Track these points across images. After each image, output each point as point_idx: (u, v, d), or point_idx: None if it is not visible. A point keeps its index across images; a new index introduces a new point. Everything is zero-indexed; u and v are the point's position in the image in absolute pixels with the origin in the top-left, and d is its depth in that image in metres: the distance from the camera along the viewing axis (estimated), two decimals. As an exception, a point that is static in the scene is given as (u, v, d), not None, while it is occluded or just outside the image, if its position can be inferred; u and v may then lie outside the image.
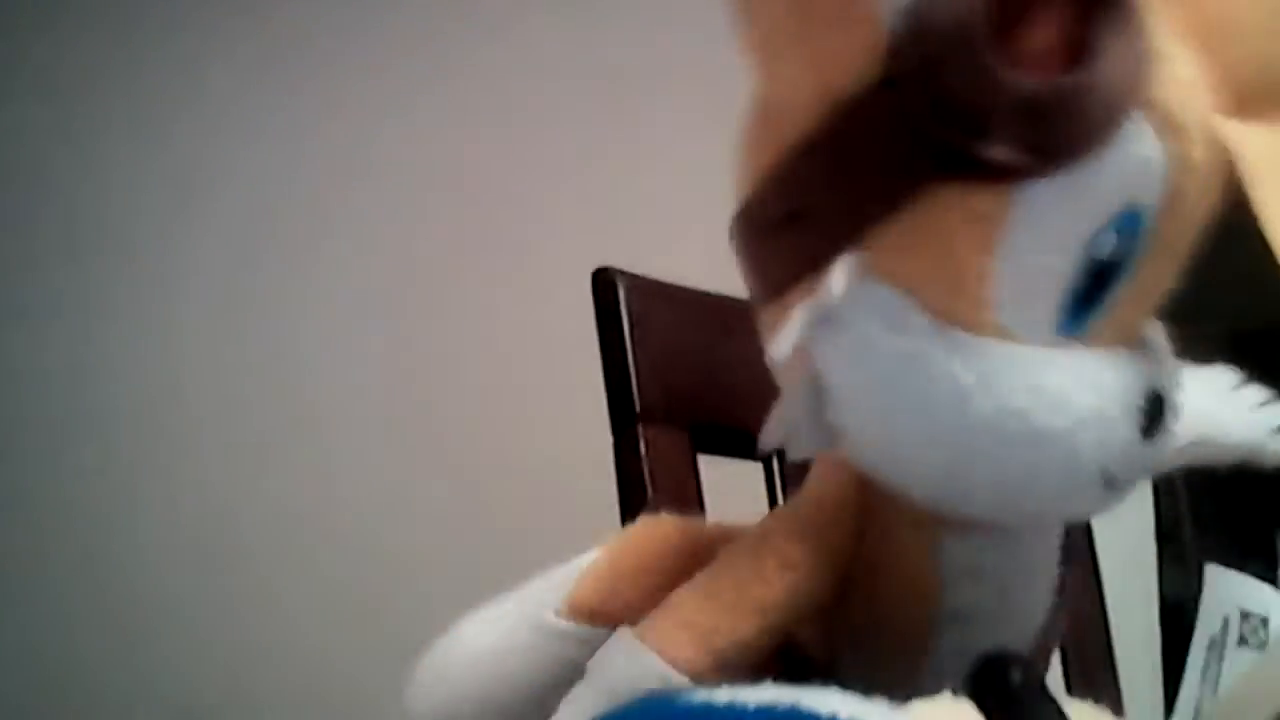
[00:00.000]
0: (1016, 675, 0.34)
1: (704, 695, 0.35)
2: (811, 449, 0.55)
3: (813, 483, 0.57)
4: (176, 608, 1.74)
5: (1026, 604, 0.57)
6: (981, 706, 0.35)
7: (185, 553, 1.75)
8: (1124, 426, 0.49)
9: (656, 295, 0.94)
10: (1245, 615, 0.57)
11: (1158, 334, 0.53)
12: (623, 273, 0.93)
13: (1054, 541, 0.58)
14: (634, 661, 0.51)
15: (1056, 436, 0.48)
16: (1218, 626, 0.42)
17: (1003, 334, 0.49)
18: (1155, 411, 0.50)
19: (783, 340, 0.50)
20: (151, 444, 1.77)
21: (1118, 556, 1.08)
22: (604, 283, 0.93)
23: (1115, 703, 1.01)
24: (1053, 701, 0.35)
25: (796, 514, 0.56)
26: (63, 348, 1.77)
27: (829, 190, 0.49)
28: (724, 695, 0.35)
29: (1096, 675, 1.01)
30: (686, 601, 0.53)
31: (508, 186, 1.77)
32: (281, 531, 1.75)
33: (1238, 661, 0.58)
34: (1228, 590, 0.43)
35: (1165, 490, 1.26)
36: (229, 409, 1.78)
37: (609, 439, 0.92)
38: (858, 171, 0.48)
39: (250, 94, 1.81)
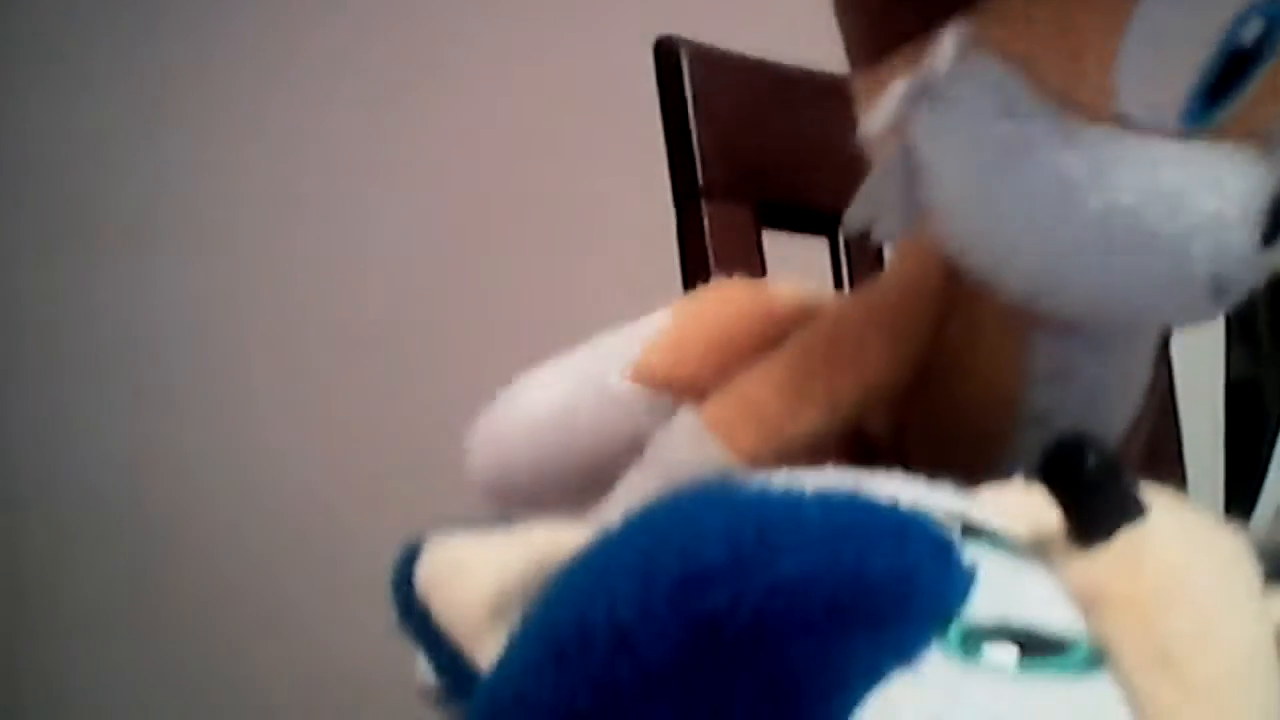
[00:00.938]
0: (1092, 460, 0.32)
1: (761, 480, 0.34)
2: (900, 231, 0.53)
3: (895, 267, 0.55)
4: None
5: (1113, 409, 0.54)
6: (1054, 492, 0.33)
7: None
8: (1242, 233, 0.46)
9: (721, 65, 0.91)
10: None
11: None
12: (686, 41, 0.90)
13: (1149, 346, 0.55)
14: (697, 448, 0.50)
15: (1168, 241, 0.45)
16: None
17: (1122, 121, 0.46)
18: (1277, 216, 0.47)
19: (880, 112, 0.48)
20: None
21: (1187, 339, 1.06)
22: (666, 52, 0.90)
23: (1179, 479, 1.00)
24: (1130, 488, 0.33)
25: (877, 300, 0.54)
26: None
27: None
28: (781, 479, 0.34)
29: (1161, 452, 1.00)
30: (756, 388, 0.51)
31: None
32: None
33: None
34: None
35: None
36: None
37: (671, 214, 0.91)
38: None
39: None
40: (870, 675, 0.28)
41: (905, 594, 0.29)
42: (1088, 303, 0.49)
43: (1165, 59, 0.45)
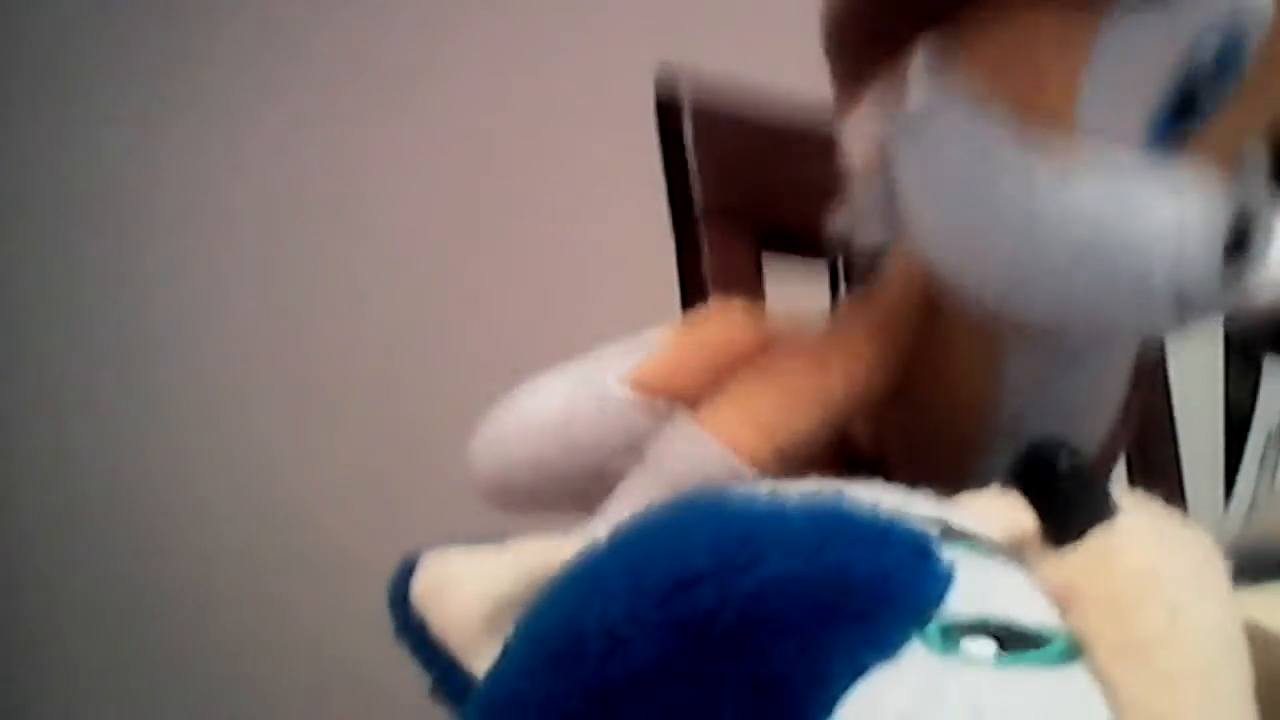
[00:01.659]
0: (1064, 462, 0.34)
1: (746, 489, 0.35)
2: (878, 238, 0.54)
3: (883, 281, 0.57)
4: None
5: (1087, 421, 0.56)
6: (1028, 495, 0.35)
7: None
8: (1203, 247, 0.47)
9: (719, 96, 0.93)
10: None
11: (1258, 157, 0.51)
12: (685, 72, 0.91)
13: (1124, 363, 0.57)
14: (695, 448, 0.52)
15: (1128, 249, 0.47)
16: (1276, 420, 0.41)
17: (1085, 138, 0.47)
18: (1242, 235, 0.48)
19: (854, 124, 0.50)
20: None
21: (1186, 363, 1.07)
22: (665, 83, 0.91)
23: (1178, 508, 1.01)
24: (1101, 489, 0.35)
25: (863, 309, 0.56)
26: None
27: None
28: (766, 488, 0.35)
29: (1160, 481, 1.00)
30: (749, 389, 0.53)
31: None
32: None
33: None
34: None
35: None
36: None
37: (670, 240, 0.92)
38: None
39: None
40: (853, 669, 0.29)
41: (885, 592, 0.30)
42: (1053, 312, 0.50)
43: (1123, 86, 0.46)
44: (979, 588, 0.32)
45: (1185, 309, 0.48)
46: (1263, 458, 0.50)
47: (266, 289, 1.76)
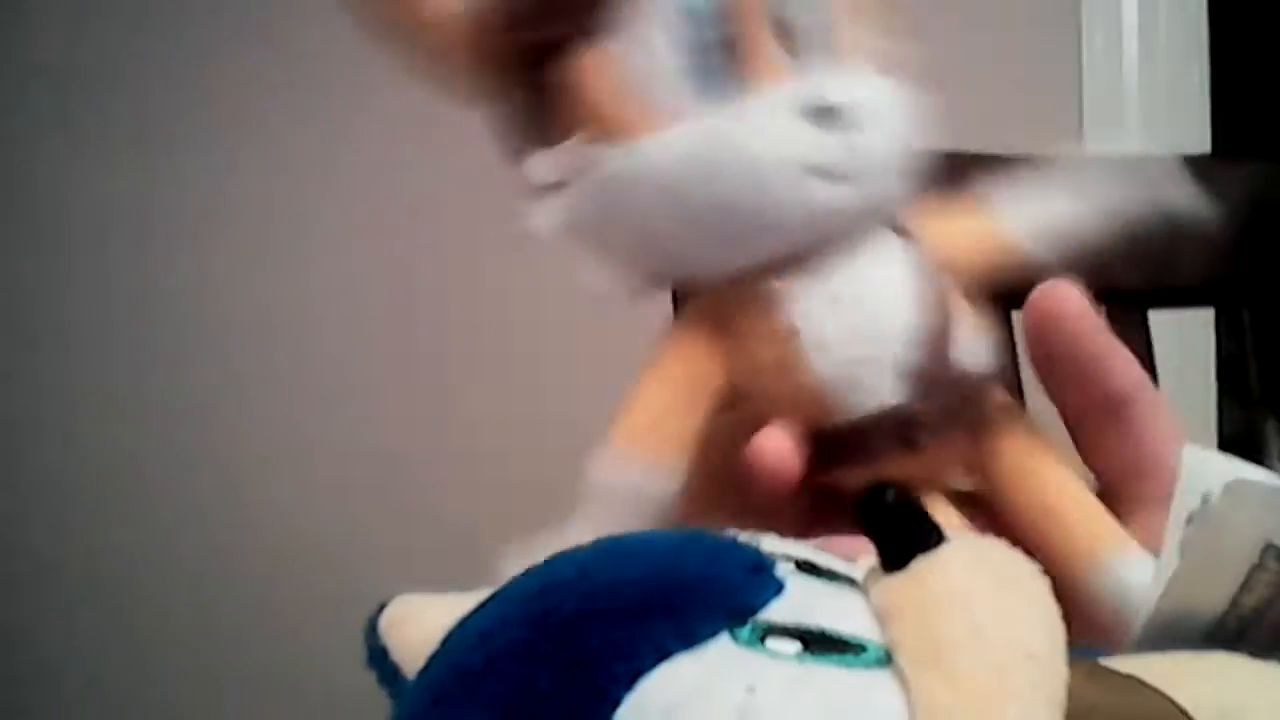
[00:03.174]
0: (888, 497, 0.38)
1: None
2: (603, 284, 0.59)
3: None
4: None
5: (885, 320, 0.56)
6: (866, 527, 0.39)
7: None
8: (790, 118, 0.53)
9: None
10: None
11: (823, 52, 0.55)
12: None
13: (877, 249, 0.56)
14: (612, 467, 0.56)
15: (740, 166, 0.52)
16: (1197, 502, 0.45)
17: (659, 122, 0.53)
18: (827, 109, 0.53)
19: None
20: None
21: (1178, 393, 1.09)
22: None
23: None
24: (929, 524, 0.39)
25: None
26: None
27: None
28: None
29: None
30: (645, 398, 0.57)
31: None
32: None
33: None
34: (1208, 467, 0.45)
35: (1228, 328, 1.27)
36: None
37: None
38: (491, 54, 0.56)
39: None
40: (657, 652, 0.34)
41: (703, 593, 0.35)
42: (723, 250, 0.55)
43: (653, 74, 0.53)
44: (806, 603, 0.37)
45: (828, 173, 0.52)
46: (1182, 541, 0.48)
47: (269, 302, 1.79)
